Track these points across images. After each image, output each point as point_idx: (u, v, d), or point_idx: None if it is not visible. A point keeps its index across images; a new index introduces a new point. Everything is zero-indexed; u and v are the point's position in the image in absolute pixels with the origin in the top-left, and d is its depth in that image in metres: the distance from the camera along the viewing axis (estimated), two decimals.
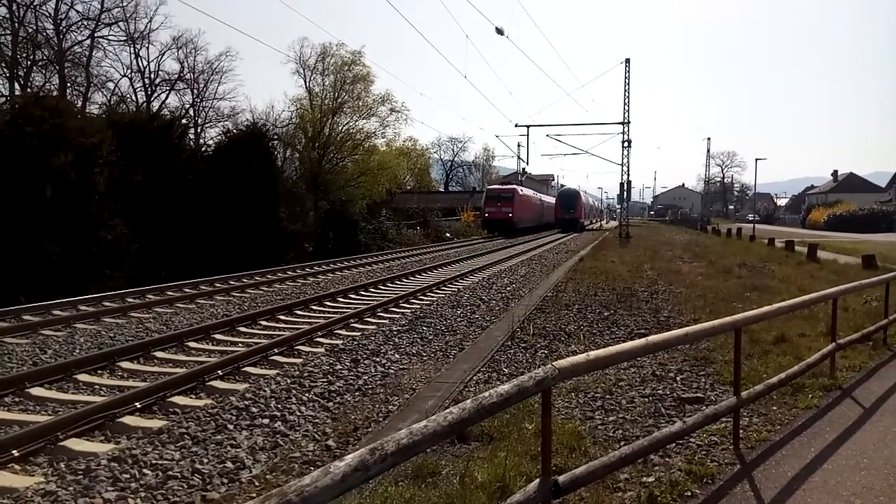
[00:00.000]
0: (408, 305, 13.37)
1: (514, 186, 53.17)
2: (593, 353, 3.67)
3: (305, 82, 41.63)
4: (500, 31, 26.04)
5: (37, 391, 7.20)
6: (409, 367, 8.41)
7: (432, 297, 14.66)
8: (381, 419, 6.33)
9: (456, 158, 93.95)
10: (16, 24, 28.92)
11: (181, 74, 38.51)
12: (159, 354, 9.03)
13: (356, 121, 42.58)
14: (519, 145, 66.61)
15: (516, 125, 59.12)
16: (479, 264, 22.25)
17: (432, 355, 9.12)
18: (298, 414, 6.50)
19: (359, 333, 10.43)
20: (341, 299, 14.32)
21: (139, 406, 6.56)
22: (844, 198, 76.78)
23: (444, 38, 33.71)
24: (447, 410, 2.68)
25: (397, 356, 8.97)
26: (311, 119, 41.09)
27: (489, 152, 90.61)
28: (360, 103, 42.21)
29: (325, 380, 7.64)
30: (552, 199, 68.52)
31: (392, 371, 8.22)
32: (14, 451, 5.27)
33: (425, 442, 2.48)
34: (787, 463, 4.77)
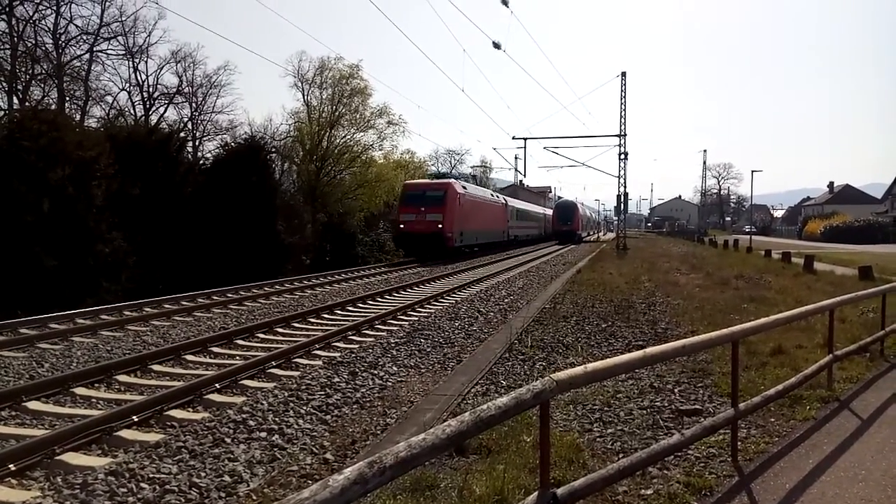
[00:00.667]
0: (405, 318, 13.37)
1: (449, 181, 35.03)
2: (591, 366, 3.69)
3: (303, 96, 41.89)
4: (497, 46, 26.22)
5: (34, 405, 7.18)
6: (407, 380, 8.40)
7: (430, 308, 14.65)
8: (379, 432, 6.31)
9: (453, 171, 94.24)
10: (15, 39, 29.03)
11: (179, 88, 38.63)
12: (156, 368, 9.01)
13: (354, 133, 42.84)
14: (516, 157, 66.87)
15: (514, 137, 58.27)
16: (476, 276, 22.27)
17: (430, 368, 9.11)
18: (296, 427, 6.49)
19: (356, 346, 10.42)
20: (339, 311, 14.31)
21: (136, 420, 6.54)
22: (840, 209, 77.10)
23: (442, 51, 33.90)
24: (445, 423, 2.68)
25: (395, 368, 8.96)
26: (308, 132, 41.28)
27: (487, 164, 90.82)
28: (358, 116, 42.46)
29: (322, 393, 7.63)
30: (537, 209, 63.96)
31: (390, 384, 8.20)
32: (11, 466, 5.25)
33: (424, 455, 2.48)
34: (785, 475, 4.77)
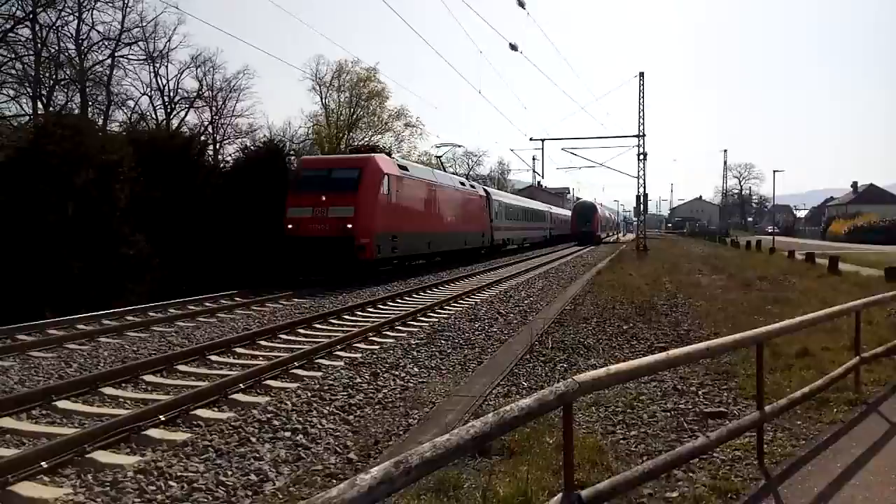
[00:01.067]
0: (426, 319, 13.40)
1: (370, 155, 22.36)
2: (613, 367, 3.69)
3: (321, 99, 42.38)
4: (513, 47, 26.14)
5: (63, 404, 7.31)
6: (429, 381, 8.42)
7: (450, 310, 14.67)
8: (401, 432, 6.35)
9: (471, 172, 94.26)
10: (39, 45, 29.66)
11: (200, 92, 39.14)
12: (182, 368, 9.13)
13: (372, 136, 43.29)
14: (534, 159, 66.58)
15: (531, 139, 58.20)
16: (495, 277, 22.25)
17: (451, 369, 9.13)
18: (320, 427, 6.54)
19: (377, 347, 10.47)
20: (359, 313, 14.38)
21: (163, 419, 6.64)
22: (865, 209, 75.79)
23: (459, 53, 33.77)
24: (469, 424, 2.70)
25: (416, 369, 8.99)
26: (327, 135, 41.72)
27: (504, 166, 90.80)
28: (376, 119, 42.96)
29: (345, 393, 7.68)
30: (540, 206, 58.02)
31: (411, 384, 8.23)
32: (43, 463, 5.35)
33: (449, 455, 2.50)
34: (813, 478, 4.72)
